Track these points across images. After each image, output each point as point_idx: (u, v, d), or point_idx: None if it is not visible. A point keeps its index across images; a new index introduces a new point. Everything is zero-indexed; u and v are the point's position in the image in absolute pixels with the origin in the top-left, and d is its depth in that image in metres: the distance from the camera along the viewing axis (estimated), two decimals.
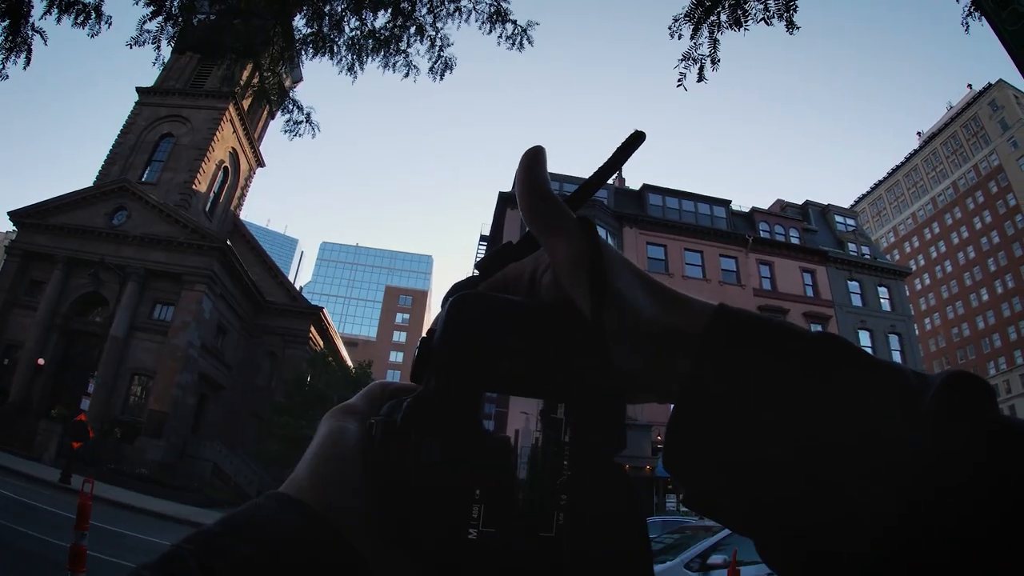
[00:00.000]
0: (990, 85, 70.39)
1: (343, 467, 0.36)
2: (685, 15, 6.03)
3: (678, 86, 6.09)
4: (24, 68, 6.31)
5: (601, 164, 0.39)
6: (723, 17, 5.97)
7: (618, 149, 0.39)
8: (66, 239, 29.56)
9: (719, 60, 6.09)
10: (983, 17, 4.60)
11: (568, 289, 0.35)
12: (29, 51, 6.23)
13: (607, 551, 0.32)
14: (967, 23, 5.30)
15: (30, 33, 6.19)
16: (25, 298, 29.11)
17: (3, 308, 28.70)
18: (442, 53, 6.96)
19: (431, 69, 7.03)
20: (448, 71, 7.06)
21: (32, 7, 6.12)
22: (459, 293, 0.36)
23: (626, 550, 0.33)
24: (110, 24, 6.40)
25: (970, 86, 76.07)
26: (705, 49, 6.09)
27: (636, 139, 0.39)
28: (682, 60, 6.10)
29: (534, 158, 0.37)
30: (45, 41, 6.30)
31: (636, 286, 0.35)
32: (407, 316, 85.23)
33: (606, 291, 0.34)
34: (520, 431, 0.35)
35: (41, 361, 26.73)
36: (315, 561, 0.31)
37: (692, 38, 6.04)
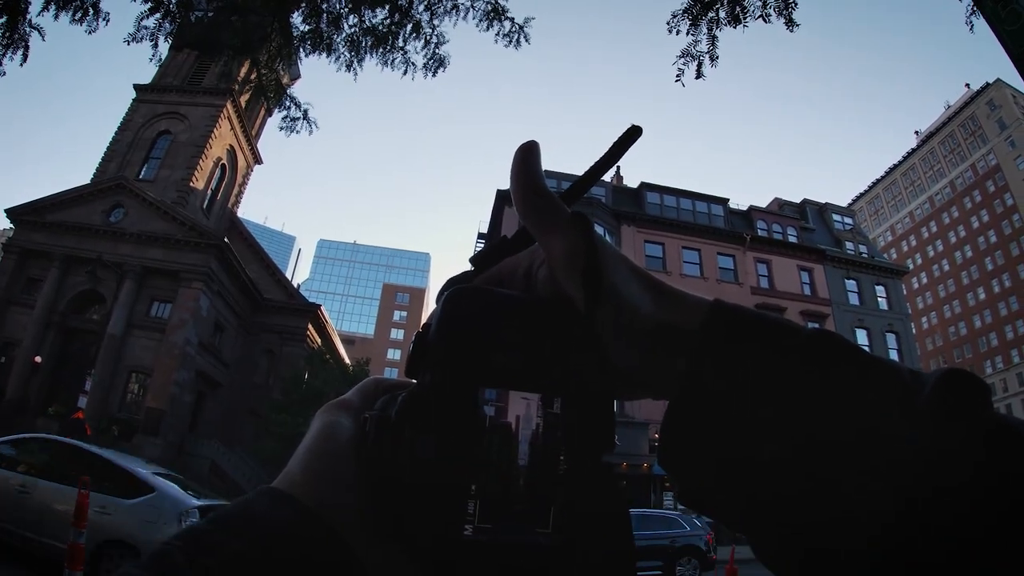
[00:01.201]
0: (988, 84, 70.47)
1: (336, 463, 0.35)
2: (684, 11, 6.01)
3: (676, 82, 6.10)
4: (21, 64, 6.29)
5: (598, 159, 0.39)
6: (722, 14, 5.97)
7: (615, 144, 0.39)
8: (63, 236, 29.48)
9: (718, 57, 6.09)
10: (982, 16, 4.59)
11: (563, 285, 0.35)
12: (27, 47, 6.21)
13: (598, 549, 0.32)
14: (971, 22, 5.26)
15: (27, 29, 6.17)
16: (22, 296, 29.05)
17: (0, 306, 28.62)
18: (436, 50, 6.96)
19: (425, 66, 7.03)
20: (441, 68, 7.06)
21: (30, 3, 6.10)
22: (455, 287, 0.36)
23: (615, 549, 0.32)
24: (108, 20, 6.39)
25: (968, 85, 76.44)
26: (704, 46, 6.08)
27: (633, 134, 0.38)
28: (681, 56, 6.09)
29: (528, 153, 0.37)
30: (43, 37, 6.29)
31: (631, 282, 0.35)
32: (405, 314, 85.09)
33: (601, 287, 0.34)
34: (521, 416, 0.35)
35: (38, 359, 26.62)
36: (308, 557, 0.31)
37: (690, 34, 6.03)
